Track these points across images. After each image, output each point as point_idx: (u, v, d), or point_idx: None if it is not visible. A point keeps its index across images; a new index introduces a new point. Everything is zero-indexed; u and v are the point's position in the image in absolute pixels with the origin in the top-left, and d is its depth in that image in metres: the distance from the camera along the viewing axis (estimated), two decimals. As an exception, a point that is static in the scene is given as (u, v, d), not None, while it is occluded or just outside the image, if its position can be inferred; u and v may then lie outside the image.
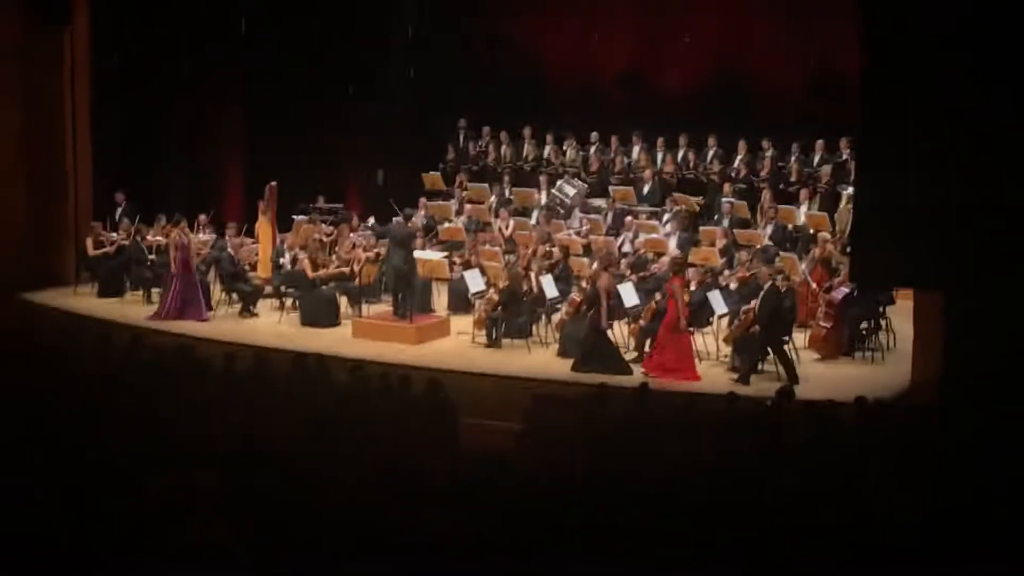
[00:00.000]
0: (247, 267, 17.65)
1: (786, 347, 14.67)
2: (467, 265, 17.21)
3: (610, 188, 20.47)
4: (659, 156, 20.99)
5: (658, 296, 15.25)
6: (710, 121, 21.09)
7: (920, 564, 7.37)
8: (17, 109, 18.18)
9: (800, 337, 15.55)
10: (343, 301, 17.11)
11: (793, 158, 20.01)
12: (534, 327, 16.03)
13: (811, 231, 18.08)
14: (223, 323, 16.73)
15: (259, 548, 6.76)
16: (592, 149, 21.55)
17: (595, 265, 16.14)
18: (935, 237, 11.49)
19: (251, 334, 16.19)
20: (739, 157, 20.38)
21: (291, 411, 11.10)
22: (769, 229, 18.51)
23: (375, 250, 17.54)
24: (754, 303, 14.91)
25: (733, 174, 20.21)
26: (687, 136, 20.97)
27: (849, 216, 16.20)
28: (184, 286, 16.62)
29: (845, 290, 15.44)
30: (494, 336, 15.79)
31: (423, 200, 20.33)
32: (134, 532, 6.91)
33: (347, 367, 12.61)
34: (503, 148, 22.11)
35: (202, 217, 18.73)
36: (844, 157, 19.31)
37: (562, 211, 19.88)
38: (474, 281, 16.51)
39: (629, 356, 15.20)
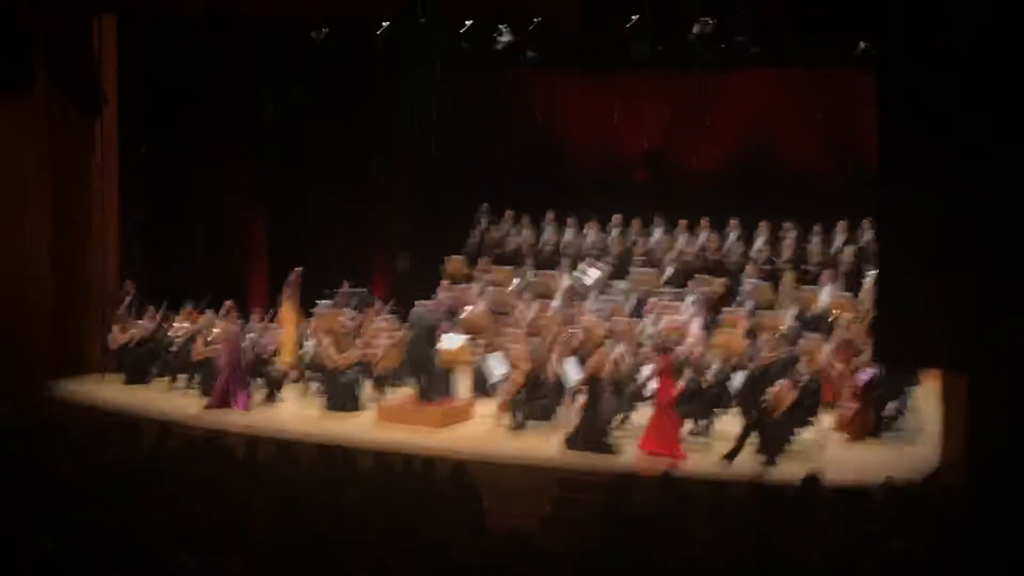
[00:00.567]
0: (271, 352, 17.71)
1: (805, 429, 14.61)
2: (490, 349, 17.23)
3: (632, 271, 20.51)
4: (681, 239, 21.05)
5: (688, 375, 15.21)
6: (732, 203, 21.17)
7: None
8: (46, 200, 18.39)
9: (827, 419, 15.47)
10: (367, 385, 17.13)
11: (815, 240, 20.04)
12: (558, 410, 15.99)
13: (834, 313, 18.05)
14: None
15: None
16: (614, 232, 21.64)
17: (617, 349, 16.15)
18: (958, 318, 11.47)
19: (276, 420, 16.20)
20: (761, 239, 20.44)
21: (316, 498, 11.08)
22: (792, 311, 18.49)
23: (398, 334, 17.62)
24: (779, 384, 14.88)
25: (755, 256, 20.24)
26: (709, 219, 21.05)
27: (872, 298, 16.20)
28: (234, 374, 16.65)
29: (870, 371, 15.39)
30: (518, 419, 15.77)
31: (445, 283, 20.41)
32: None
33: (371, 453, 12.60)
34: (525, 232, 22.22)
35: (228, 303, 18.82)
36: (866, 238, 19.34)
37: (583, 294, 19.90)
38: (497, 365, 16.52)
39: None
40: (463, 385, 17.52)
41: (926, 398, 15.62)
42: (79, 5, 16.97)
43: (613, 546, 9.53)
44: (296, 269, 18.00)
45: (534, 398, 15.71)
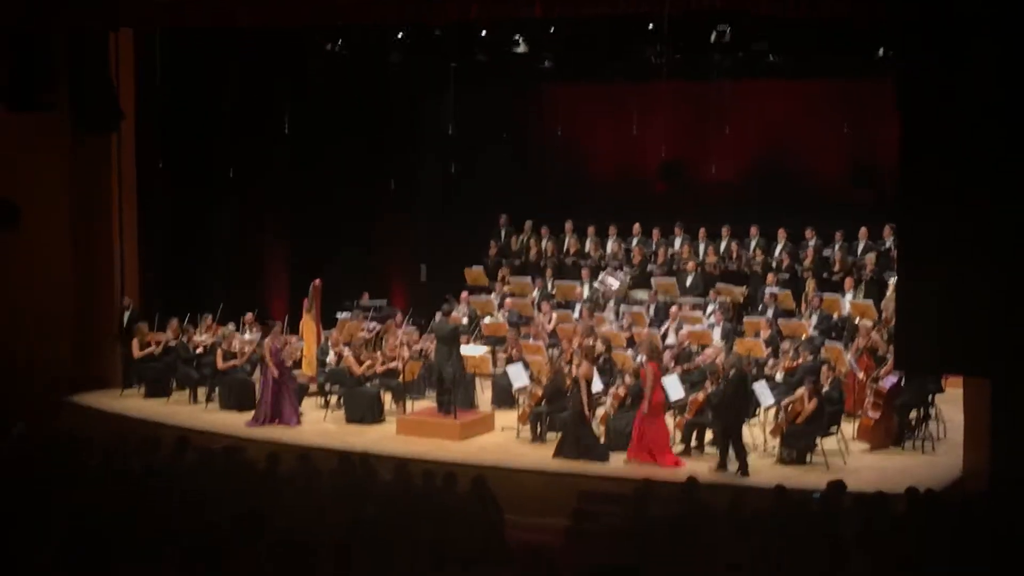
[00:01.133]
0: (291, 365, 17.68)
1: (834, 436, 14.51)
2: (510, 360, 17.19)
3: (652, 280, 20.46)
4: (701, 247, 21.00)
5: (710, 387, 15.13)
6: (752, 211, 21.14)
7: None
8: (66, 213, 18.51)
9: (849, 428, 15.37)
10: (387, 398, 17.11)
11: (837, 247, 19.95)
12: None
13: (856, 320, 17.94)
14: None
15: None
16: (634, 241, 21.60)
17: (639, 357, 16.11)
18: (980, 323, 11.39)
19: (296, 432, 16.19)
20: (779, 246, 20.36)
21: (336, 511, 11.05)
22: (814, 319, 18.40)
23: (418, 346, 17.61)
24: (799, 391, 14.80)
25: (776, 264, 20.16)
26: (729, 226, 20.98)
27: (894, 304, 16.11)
28: (280, 389, 16.56)
29: (893, 379, 15.29)
30: (539, 431, 15.71)
31: (465, 295, 20.39)
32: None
33: (392, 465, 12.55)
34: (544, 242, 22.20)
35: (248, 316, 18.86)
36: (888, 245, 19.24)
37: (603, 303, 19.86)
38: (517, 376, 16.48)
39: (676, 449, 15.08)
40: (483, 397, 17.49)
41: (950, 405, 15.49)
42: (96, 20, 16.95)
43: (635, 560, 9.48)
44: (316, 281, 17.98)
45: (554, 409, 15.64)
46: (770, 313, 18.66)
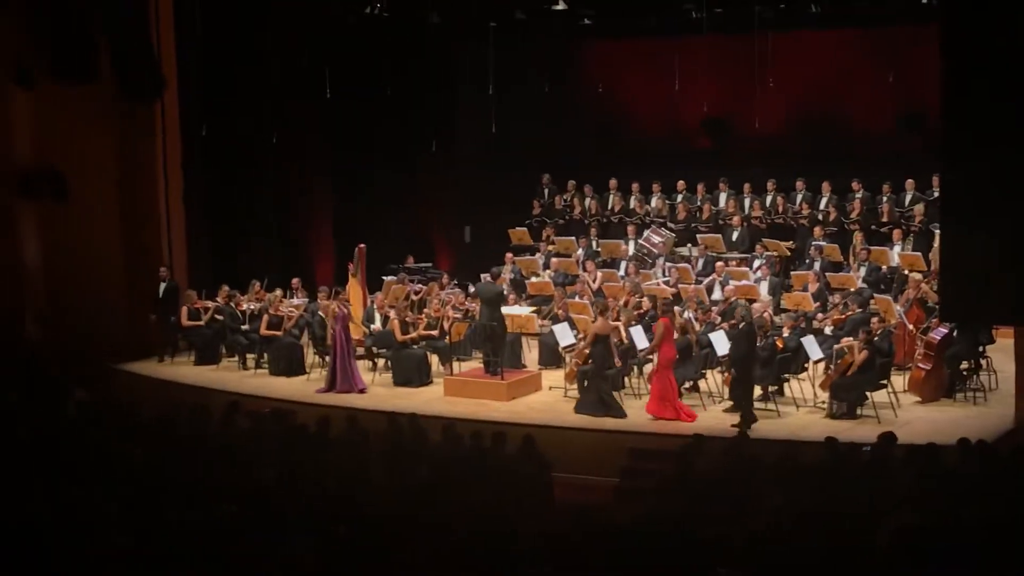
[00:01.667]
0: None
1: (884, 389, 14.43)
2: (556, 319, 17.19)
3: (698, 236, 20.36)
4: (747, 202, 20.85)
5: (759, 341, 15.06)
6: (797, 164, 20.95)
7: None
8: (114, 183, 18.67)
9: (899, 380, 15.26)
10: (434, 359, 17.16)
11: (884, 198, 19.74)
12: (626, 379, 15.92)
13: (905, 271, 17.78)
14: (317, 385, 16.81)
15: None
16: (679, 197, 21.49)
17: (686, 313, 16.07)
18: (1022, 271, 11.26)
19: (345, 396, 16.26)
20: (825, 199, 20.19)
21: (386, 473, 11.13)
22: (862, 271, 18.26)
23: (464, 308, 17.63)
24: (850, 341, 14.70)
25: (823, 217, 19.99)
26: (775, 180, 20.82)
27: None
28: (347, 357, 16.49)
29: (943, 330, 15.13)
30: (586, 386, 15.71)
31: (510, 256, 20.38)
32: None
33: (440, 426, 12.61)
34: (588, 200, 22.14)
35: (294, 281, 18.95)
36: (936, 195, 19.01)
37: (649, 261, 19.81)
38: (564, 335, 16.47)
39: (724, 405, 15.06)
40: (530, 357, 17.51)
41: (1002, 355, 15.33)
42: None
43: (684, 515, 9.48)
44: (361, 245, 18.03)
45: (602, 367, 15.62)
46: (817, 266, 18.54)
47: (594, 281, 19.05)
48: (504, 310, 16.65)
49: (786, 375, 15.28)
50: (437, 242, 23.20)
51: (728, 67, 22.04)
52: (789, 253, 19.74)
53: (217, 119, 20.13)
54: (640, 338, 15.77)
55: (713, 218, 20.90)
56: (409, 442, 12.18)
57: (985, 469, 10.59)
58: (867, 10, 19.68)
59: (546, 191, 22.72)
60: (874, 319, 15.28)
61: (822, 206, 20.20)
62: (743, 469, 11.11)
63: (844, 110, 21.44)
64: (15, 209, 18.28)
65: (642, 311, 16.60)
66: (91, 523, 8.35)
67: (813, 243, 19.24)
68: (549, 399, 15.96)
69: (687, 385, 15.33)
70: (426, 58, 22.27)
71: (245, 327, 18.06)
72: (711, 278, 18.44)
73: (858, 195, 19.90)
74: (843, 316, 16.03)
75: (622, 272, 19.39)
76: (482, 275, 17.42)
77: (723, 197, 21.14)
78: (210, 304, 18.29)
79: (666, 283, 18.59)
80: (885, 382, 14.68)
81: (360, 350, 17.63)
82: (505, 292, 17.66)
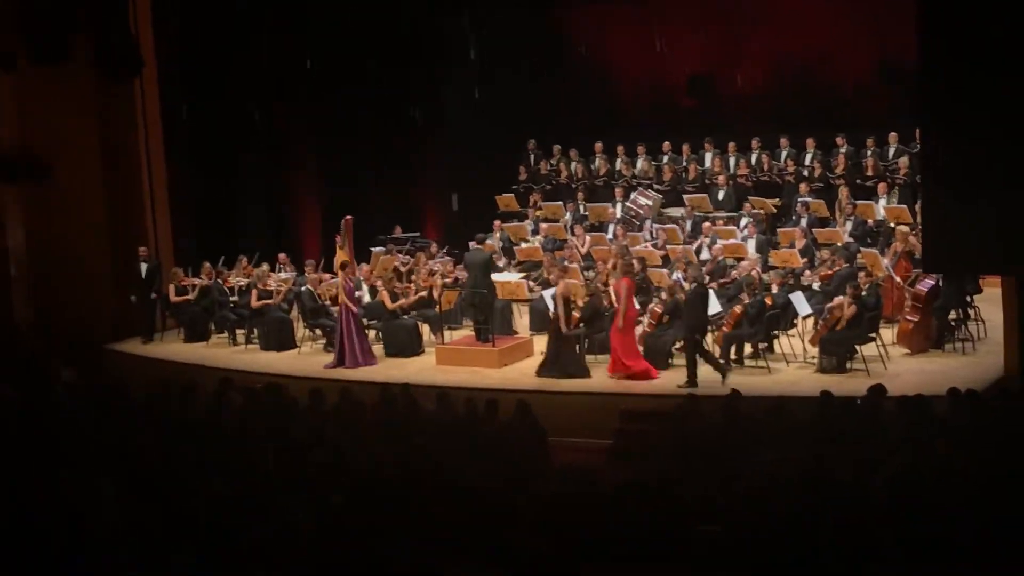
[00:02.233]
0: (327, 302, 17.75)
1: (873, 343, 14.49)
2: (546, 284, 17.20)
3: (685, 197, 20.36)
4: (732, 161, 20.86)
5: (746, 299, 15.10)
6: (781, 122, 20.94)
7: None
8: (97, 163, 18.63)
9: (888, 333, 15.31)
10: (425, 329, 17.18)
11: (869, 152, 19.75)
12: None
13: (892, 224, 17.81)
14: (308, 358, 16.85)
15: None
16: (664, 159, 21.48)
17: (675, 274, 16.08)
18: (1005, 221, 11.29)
19: (337, 368, 16.26)
20: (810, 155, 20.19)
21: (381, 443, 11.16)
22: (849, 226, 18.30)
23: (453, 276, 17.63)
24: (839, 298, 14.76)
25: (808, 173, 20.00)
26: (759, 138, 20.82)
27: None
28: (356, 333, 16.29)
29: (930, 282, 15.16)
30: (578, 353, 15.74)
31: (498, 223, 20.38)
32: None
33: (434, 395, 12.64)
34: (574, 165, 22.12)
35: (281, 256, 18.93)
36: (920, 147, 19.00)
37: (637, 223, 19.82)
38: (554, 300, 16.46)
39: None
40: (521, 323, 17.53)
41: (989, 304, 15.38)
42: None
43: (677, 475, 9.53)
44: (347, 217, 18.02)
45: (592, 331, 15.66)
46: (804, 223, 18.56)
47: (583, 245, 19.07)
48: (494, 277, 16.67)
49: (775, 332, 15.31)
50: (425, 211, 23.17)
51: (708, 26, 22.01)
52: (775, 211, 19.77)
53: (200, 98, 20.07)
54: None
55: (699, 178, 20.90)
56: (403, 412, 12.20)
57: (975, 418, 10.65)
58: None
59: (532, 156, 22.70)
60: (861, 273, 15.32)
61: (807, 162, 20.20)
62: (736, 427, 11.16)
63: (826, 66, 21.38)
64: (-1, 194, 18.26)
65: (633, 273, 16.59)
66: (84, 504, 8.36)
67: (799, 199, 19.26)
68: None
69: (677, 345, 15.35)
70: (408, 26, 22.17)
71: (235, 299, 18.07)
72: (699, 241, 18.45)
73: (842, 150, 19.90)
74: (831, 272, 16.06)
75: (610, 235, 19.40)
76: (470, 243, 17.42)
77: (708, 157, 21.13)
78: (197, 281, 18.28)
79: (654, 245, 18.61)
80: (874, 335, 14.73)
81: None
82: (494, 258, 17.66)
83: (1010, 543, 7.33)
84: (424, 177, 23.30)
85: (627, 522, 7.76)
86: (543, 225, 20.31)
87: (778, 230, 18.71)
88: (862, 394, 11.79)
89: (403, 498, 8.62)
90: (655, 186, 20.96)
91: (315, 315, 17.36)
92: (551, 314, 16.33)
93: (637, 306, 15.16)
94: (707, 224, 18.84)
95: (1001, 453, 9.39)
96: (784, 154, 20.49)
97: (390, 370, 15.88)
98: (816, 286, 16.05)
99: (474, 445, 11.07)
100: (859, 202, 18.68)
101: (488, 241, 18.35)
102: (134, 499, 8.59)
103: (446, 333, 17.09)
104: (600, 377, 14.91)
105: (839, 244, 17.44)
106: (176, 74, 19.58)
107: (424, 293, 17.17)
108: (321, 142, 22.16)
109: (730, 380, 14.09)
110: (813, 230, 18.17)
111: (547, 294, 16.65)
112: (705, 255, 17.88)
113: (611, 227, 19.73)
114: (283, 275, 18.30)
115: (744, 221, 18.94)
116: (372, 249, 19.56)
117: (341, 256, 17.76)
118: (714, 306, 15.34)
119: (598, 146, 22.01)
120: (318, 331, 17.40)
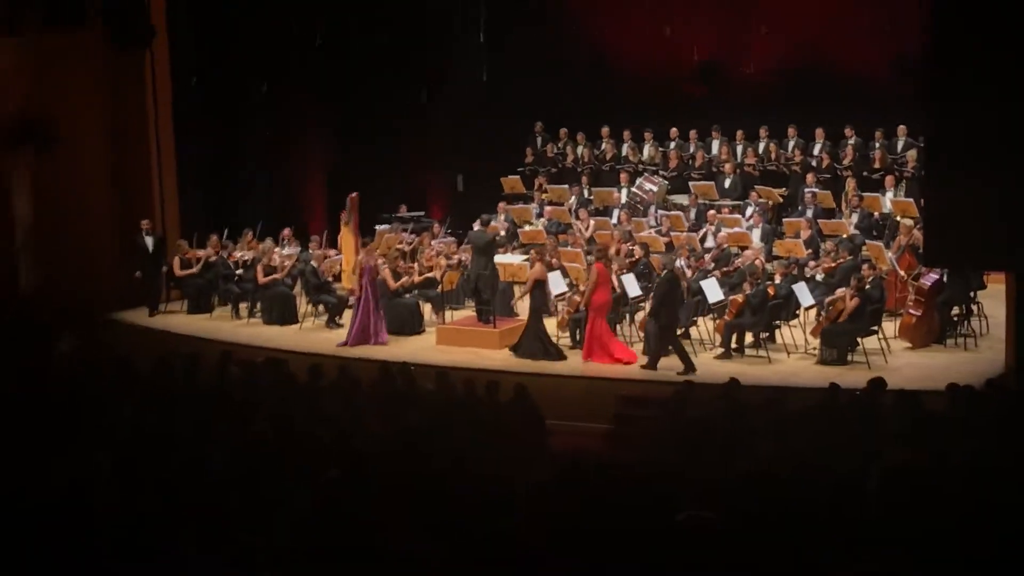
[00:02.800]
0: (331, 278, 17.77)
1: (875, 335, 14.48)
2: (549, 267, 17.17)
3: (690, 183, 20.34)
4: (739, 149, 20.82)
5: (748, 288, 15.09)
6: (790, 111, 20.88)
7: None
8: (105, 132, 18.61)
9: (890, 326, 15.31)
10: (426, 308, 17.18)
11: (877, 144, 19.70)
12: (618, 326, 15.95)
13: (898, 218, 17.78)
14: (310, 334, 16.87)
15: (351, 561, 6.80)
16: (671, 145, 21.44)
17: (678, 261, 16.07)
18: (1007, 217, 11.26)
19: (336, 344, 16.26)
20: (818, 145, 20.15)
21: (379, 421, 11.17)
22: (855, 218, 18.27)
23: (456, 256, 17.63)
24: (841, 291, 14.76)
25: (815, 163, 19.96)
26: (767, 127, 20.78)
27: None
28: (373, 310, 16.21)
29: (934, 276, 15.16)
30: (578, 337, 15.75)
31: (503, 204, 20.36)
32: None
33: (433, 375, 12.65)
34: (580, 149, 22.09)
35: (285, 231, 18.94)
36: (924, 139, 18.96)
37: (641, 209, 19.80)
38: (556, 283, 16.48)
39: (715, 352, 15.11)
40: (522, 305, 17.51)
41: (992, 301, 15.36)
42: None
43: (675, 461, 9.53)
44: (353, 194, 18.02)
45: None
46: (810, 213, 18.54)
47: (586, 229, 19.06)
48: (497, 259, 16.67)
49: (777, 322, 15.31)
50: (430, 191, 23.16)
51: (719, 12, 21.94)
52: (781, 200, 19.74)
53: (208, 70, 20.05)
54: (632, 286, 15.77)
55: (706, 165, 20.87)
56: (401, 390, 12.22)
57: (973, 414, 10.64)
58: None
59: (539, 139, 22.67)
60: (865, 266, 15.32)
61: (815, 152, 20.16)
62: (733, 415, 11.16)
63: (837, 56, 21.31)
64: (5, 162, 18.22)
65: (634, 259, 16.61)
66: (84, 479, 8.37)
67: (806, 190, 19.22)
68: (541, 347, 15.98)
69: (679, 332, 15.34)
70: (417, 6, 22.13)
71: (240, 272, 18.09)
72: (704, 229, 18.44)
73: (851, 141, 19.85)
74: (835, 263, 16.05)
75: (614, 220, 19.39)
76: (474, 224, 17.41)
77: (715, 144, 21.10)
78: (201, 253, 18.29)
79: (658, 231, 18.60)
80: (876, 328, 14.73)
81: (353, 299, 17.63)
82: (498, 240, 17.65)
83: (1006, 539, 7.33)
84: (431, 157, 23.27)
85: (622, 507, 7.76)
86: (548, 208, 20.30)
87: (784, 220, 18.69)
88: (862, 387, 11.78)
89: (399, 474, 8.63)
90: (661, 172, 20.93)
91: (319, 291, 17.37)
92: (554, 298, 16.38)
93: (614, 294, 15.24)
94: (712, 212, 18.82)
95: (1001, 447, 9.39)
96: (792, 144, 20.45)
97: (390, 348, 15.89)
98: (819, 277, 16.04)
99: (472, 425, 11.08)
100: (866, 194, 18.65)
101: (493, 223, 18.36)
102: (131, 475, 8.60)
103: (447, 313, 17.09)
104: (590, 363, 14.93)
105: (844, 236, 17.42)
106: (187, 45, 19.54)
107: (429, 274, 17.17)
108: (329, 117, 22.13)
109: (729, 369, 14.07)
110: (819, 221, 18.15)
111: (550, 277, 16.64)
112: (710, 243, 17.86)
113: (615, 212, 19.71)
114: (286, 251, 18.30)
115: (750, 210, 18.92)
116: (377, 227, 19.55)
117: (346, 233, 17.79)
118: (715, 294, 15.31)
119: (605, 130, 21.97)
120: (320, 307, 17.41)
